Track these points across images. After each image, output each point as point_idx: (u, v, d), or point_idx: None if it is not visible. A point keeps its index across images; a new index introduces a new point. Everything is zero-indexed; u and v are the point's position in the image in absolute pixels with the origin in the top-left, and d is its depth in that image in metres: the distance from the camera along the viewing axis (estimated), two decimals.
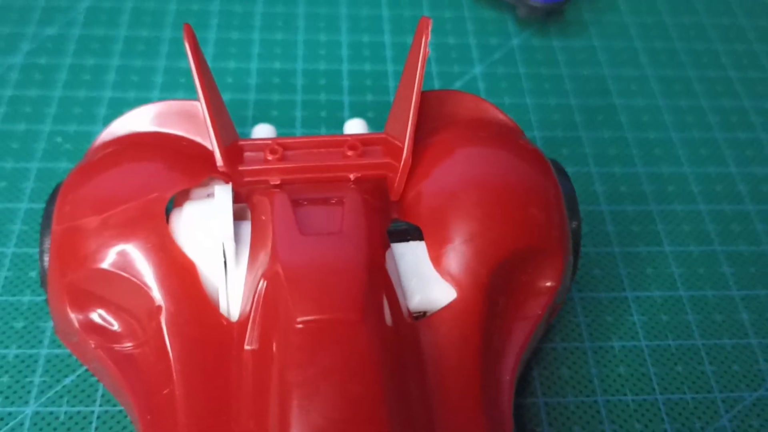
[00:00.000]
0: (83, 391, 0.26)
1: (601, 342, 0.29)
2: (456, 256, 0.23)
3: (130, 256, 0.23)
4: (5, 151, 0.33)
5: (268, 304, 0.22)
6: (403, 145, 0.25)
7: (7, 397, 0.26)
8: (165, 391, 0.22)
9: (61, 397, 0.26)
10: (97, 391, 0.26)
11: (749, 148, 0.36)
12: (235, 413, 0.21)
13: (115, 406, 0.26)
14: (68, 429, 0.26)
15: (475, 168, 0.25)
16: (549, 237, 0.24)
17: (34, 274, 0.29)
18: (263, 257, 0.23)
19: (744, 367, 0.29)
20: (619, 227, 0.33)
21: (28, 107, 0.35)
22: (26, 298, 0.29)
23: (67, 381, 0.27)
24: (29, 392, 0.26)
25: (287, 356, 0.20)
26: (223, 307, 0.23)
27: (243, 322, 0.22)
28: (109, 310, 0.23)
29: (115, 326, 0.23)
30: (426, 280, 0.23)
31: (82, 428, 0.26)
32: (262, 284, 0.22)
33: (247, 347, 0.22)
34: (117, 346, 0.23)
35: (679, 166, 0.35)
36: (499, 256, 0.23)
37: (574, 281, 0.31)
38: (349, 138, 0.26)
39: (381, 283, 0.22)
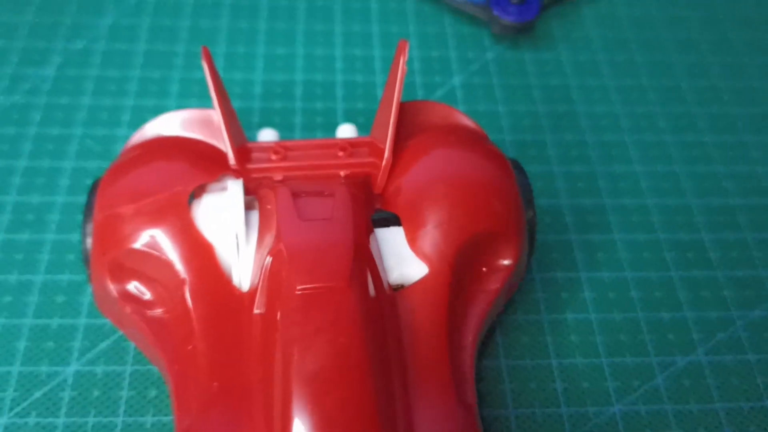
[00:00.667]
0: (117, 353, 0.31)
1: (557, 315, 0.34)
2: (428, 238, 0.28)
3: (159, 238, 0.27)
4: (42, 152, 0.38)
5: (273, 276, 0.27)
6: (385, 147, 0.30)
7: (52, 359, 0.31)
8: (189, 347, 0.27)
9: (98, 358, 0.31)
10: (128, 353, 0.31)
11: (695, 149, 0.41)
12: (246, 364, 0.26)
13: (144, 365, 0.31)
14: (104, 384, 0.31)
15: (445, 166, 0.30)
16: (505, 223, 0.29)
17: (72, 256, 0.34)
18: (269, 239, 0.28)
19: (678, 336, 0.34)
20: (576, 218, 0.38)
21: (60, 113, 0.40)
22: (65, 277, 0.34)
23: (102, 345, 0.32)
24: (71, 354, 0.31)
25: (288, 317, 0.25)
26: (235, 280, 0.28)
27: (252, 292, 0.27)
28: (142, 282, 0.28)
29: (147, 295, 0.28)
30: (403, 259, 0.28)
31: (117, 383, 0.31)
32: (269, 260, 0.27)
33: (256, 311, 0.27)
34: (149, 312, 0.28)
35: (631, 165, 0.40)
36: (464, 238, 0.28)
37: (535, 263, 0.36)
38: (340, 141, 0.31)
39: (365, 258, 0.27)
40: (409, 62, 0.44)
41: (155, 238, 0.27)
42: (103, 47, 0.43)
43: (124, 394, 0.31)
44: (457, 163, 0.30)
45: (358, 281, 0.26)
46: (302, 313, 0.25)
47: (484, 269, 0.29)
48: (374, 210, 0.30)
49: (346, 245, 0.27)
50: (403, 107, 0.32)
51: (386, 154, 0.30)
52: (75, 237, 0.35)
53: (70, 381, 0.31)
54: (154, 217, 0.28)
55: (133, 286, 0.28)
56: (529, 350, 0.33)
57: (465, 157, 0.30)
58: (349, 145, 0.31)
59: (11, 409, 0.30)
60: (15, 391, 0.30)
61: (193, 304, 0.27)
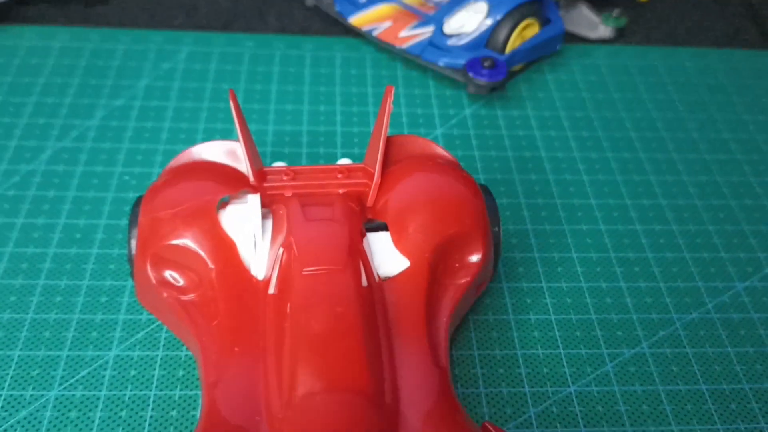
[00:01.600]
0: (150, 341, 0.37)
1: (522, 315, 0.40)
2: (409, 239, 0.35)
3: (191, 235, 0.34)
4: (89, 185, 0.45)
5: (284, 264, 0.33)
6: (375, 171, 0.37)
7: (96, 346, 0.37)
8: (214, 322, 0.33)
9: (134, 345, 0.37)
10: (160, 341, 0.37)
11: (641, 186, 0.48)
12: (261, 334, 0.32)
13: (173, 351, 0.37)
14: (139, 365, 0.36)
15: (424, 185, 0.37)
16: (472, 228, 0.36)
17: (112, 266, 0.41)
18: (280, 238, 0.34)
19: (625, 333, 0.40)
20: (539, 240, 0.44)
21: (103, 155, 0.47)
22: (107, 283, 0.40)
23: (138, 335, 0.38)
24: (111, 342, 0.37)
25: (296, 293, 0.32)
26: (253, 271, 0.34)
27: (266, 280, 0.34)
28: (176, 271, 0.34)
29: (181, 282, 0.34)
30: (390, 255, 0.35)
31: (150, 365, 0.36)
32: (281, 251, 0.33)
33: (270, 292, 0.33)
34: (182, 296, 0.34)
35: (588, 199, 0.47)
36: (438, 239, 0.35)
37: (504, 275, 0.42)
38: (339, 167, 0.38)
39: (358, 252, 0.34)
40: (398, 116, 0.52)
41: (189, 236, 0.34)
42: (140, 104, 0.51)
43: (156, 373, 0.36)
44: (433, 182, 0.37)
45: (351, 266, 0.33)
46: (307, 289, 0.32)
47: (456, 265, 0.36)
48: (366, 219, 0.36)
49: (342, 238, 0.33)
50: (390, 139, 0.39)
51: (376, 176, 0.37)
52: (115, 252, 0.41)
53: (110, 363, 0.36)
54: (188, 220, 0.34)
55: (169, 275, 0.34)
56: (498, 343, 0.39)
57: (440, 178, 0.37)
58: (346, 170, 0.38)
59: (60, 384, 0.36)
60: (64, 370, 0.36)
61: (218, 287, 0.33)
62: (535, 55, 0.55)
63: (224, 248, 0.34)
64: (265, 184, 0.37)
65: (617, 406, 0.37)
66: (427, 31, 0.54)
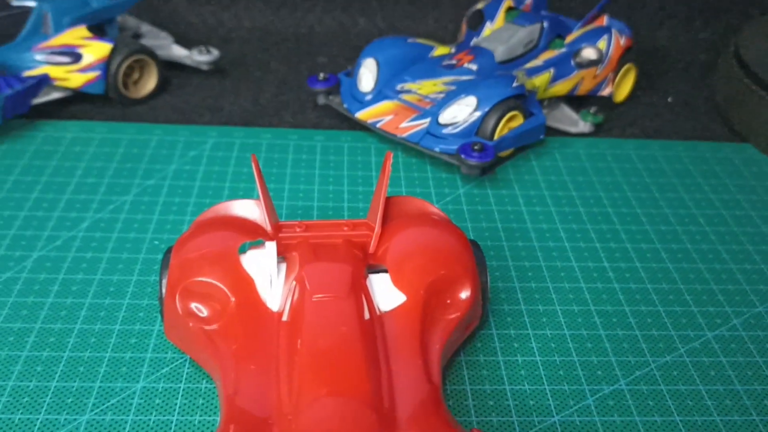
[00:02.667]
0: (174, 375, 0.42)
1: (510, 357, 0.44)
2: (405, 278, 0.40)
3: (216, 273, 0.39)
4: (122, 248, 0.51)
5: (296, 295, 0.38)
6: (375, 224, 0.43)
7: (125, 379, 0.41)
8: (234, 347, 0.37)
9: (159, 379, 0.41)
10: (182, 376, 0.42)
11: (618, 252, 0.53)
12: (275, 355, 0.36)
13: (194, 384, 0.41)
14: (163, 395, 0.40)
15: (419, 234, 0.42)
16: (460, 269, 0.41)
17: (142, 314, 0.45)
18: (293, 275, 0.39)
19: (605, 372, 0.44)
20: (525, 295, 0.49)
21: (136, 224, 0.53)
22: (137, 327, 0.45)
23: (163, 370, 0.42)
24: (139, 376, 0.41)
25: (306, 317, 0.36)
26: (269, 304, 0.39)
27: (280, 312, 0.38)
28: (201, 303, 0.39)
29: (205, 313, 0.39)
30: (388, 292, 0.40)
31: (173, 395, 0.40)
32: (294, 284, 0.38)
33: (283, 319, 0.38)
34: (205, 326, 0.39)
35: (570, 262, 0.52)
36: (430, 278, 0.40)
37: (494, 323, 0.46)
38: (345, 222, 0.44)
39: (361, 286, 0.39)
40: (399, 195, 0.58)
41: (213, 273, 0.39)
42: (169, 183, 0.58)
43: (178, 402, 0.40)
44: (427, 233, 0.43)
45: (354, 296, 0.38)
46: (316, 312, 0.37)
47: (448, 301, 0.40)
48: (367, 264, 0.42)
49: (346, 273, 0.39)
50: (389, 199, 0.45)
51: (377, 227, 0.42)
52: (144, 302, 0.46)
53: (137, 393, 0.40)
54: (213, 260, 0.40)
55: (194, 306, 0.39)
56: (488, 380, 0.43)
57: (433, 230, 0.43)
58: (351, 224, 0.44)
59: (92, 410, 0.39)
60: (96, 399, 0.40)
61: (237, 317, 0.38)
62: (520, 143, 0.62)
63: (244, 284, 0.39)
64: (281, 235, 0.43)
65: None
66: (424, 123, 0.61)
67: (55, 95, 0.66)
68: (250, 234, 0.42)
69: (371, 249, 0.42)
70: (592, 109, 0.68)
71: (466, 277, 0.41)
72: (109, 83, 0.66)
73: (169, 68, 0.74)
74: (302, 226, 0.43)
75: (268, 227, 0.43)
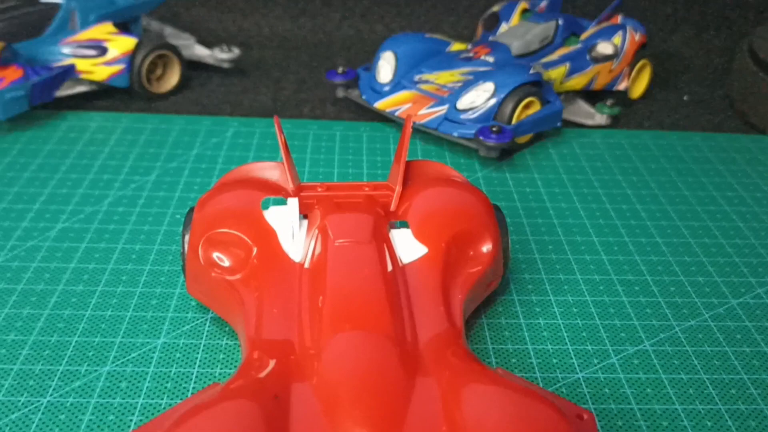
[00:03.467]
0: (194, 333, 0.41)
1: (532, 320, 0.44)
2: (427, 231, 0.40)
3: (239, 224, 0.39)
4: (144, 221, 0.51)
5: (319, 244, 0.38)
6: (395, 185, 0.43)
7: (146, 335, 0.41)
8: (256, 294, 0.37)
9: (180, 335, 0.41)
10: (203, 333, 0.41)
11: (638, 228, 0.53)
12: (296, 302, 0.36)
13: (213, 340, 0.41)
14: (184, 350, 0.40)
15: (440, 193, 0.43)
16: (481, 224, 0.41)
17: (163, 278, 0.46)
18: (315, 227, 0.39)
19: (629, 334, 0.43)
20: (546, 266, 0.49)
21: (158, 200, 0.54)
22: (158, 290, 0.45)
23: (184, 328, 0.42)
24: (160, 333, 0.41)
25: (329, 262, 0.37)
26: (291, 255, 0.39)
27: (302, 263, 0.38)
28: (223, 252, 0.39)
29: (226, 262, 0.39)
30: (410, 245, 0.40)
31: (193, 350, 0.40)
32: (316, 234, 0.39)
33: (306, 267, 0.38)
34: (228, 276, 0.39)
35: (590, 236, 0.52)
36: (452, 231, 0.40)
37: (515, 289, 0.46)
38: (366, 183, 0.44)
39: (381, 235, 0.39)
40: None
41: (236, 224, 0.40)
42: (191, 166, 0.58)
43: (199, 356, 0.40)
44: (448, 191, 0.43)
45: (376, 242, 0.38)
46: (339, 256, 0.37)
47: (471, 253, 0.40)
48: (389, 220, 0.42)
49: (368, 221, 0.39)
50: (410, 163, 0.45)
51: (398, 187, 0.43)
52: (165, 268, 0.47)
53: (158, 347, 0.40)
54: (236, 213, 0.40)
55: (216, 256, 0.39)
56: (510, 340, 0.42)
57: (454, 189, 0.43)
58: (372, 185, 0.44)
59: (113, 362, 0.39)
60: (117, 352, 0.40)
61: (259, 266, 0.38)
62: (538, 128, 0.62)
63: (266, 235, 0.39)
64: (302, 194, 0.43)
65: (623, 389, 0.39)
66: (442, 109, 0.62)
67: (81, 88, 0.68)
68: (273, 192, 0.42)
69: (392, 207, 0.42)
70: (609, 102, 0.68)
71: (488, 231, 0.41)
72: (133, 77, 0.67)
73: (191, 68, 0.75)
74: (323, 187, 0.44)
75: (290, 184, 0.43)
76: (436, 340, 0.34)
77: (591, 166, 0.62)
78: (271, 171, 0.45)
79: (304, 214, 0.42)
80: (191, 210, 0.43)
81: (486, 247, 0.41)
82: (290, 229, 0.40)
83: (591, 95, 0.72)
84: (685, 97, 0.77)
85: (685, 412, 0.38)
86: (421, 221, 0.41)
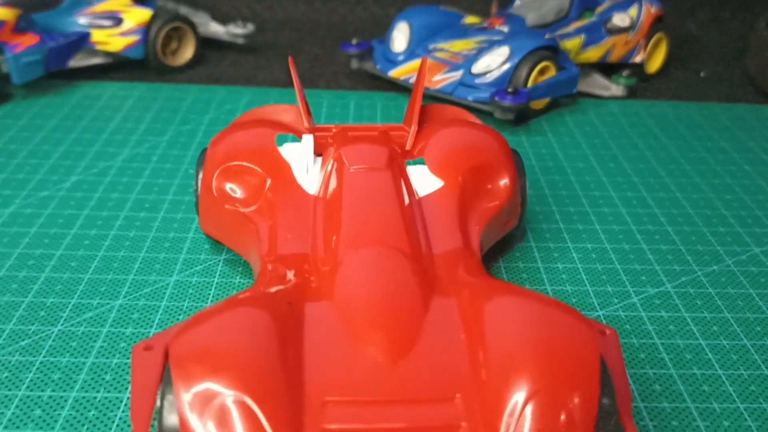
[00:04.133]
0: (207, 272, 0.41)
1: (550, 264, 0.43)
2: (443, 165, 0.39)
3: (253, 157, 0.39)
4: (158, 175, 0.51)
5: (334, 173, 0.38)
6: (411, 123, 0.42)
7: (158, 273, 0.41)
8: (270, 222, 0.37)
9: (192, 274, 0.41)
10: (216, 272, 0.41)
11: (657, 185, 0.52)
12: (309, 229, 0.36)
13: (226, 279, 0.40)
14: (197, 287, 0.40)
15: (456, 131, 0.42)
16: (499, 159, 0.40)
17: (175, 225, 0.45)
18: (330, 158, 0.39)
19: (649, 277, 0.42)
20: (563, 216, 0.48)
21: (172, 158, 0.53)
22: (171, 234, 0.44)
23: (196, 268, 0.41)
24: (173, 271, 0.41)
25: (344, 186, 0.36)
26: (305, 188, 0.38)
27: (315, 195, 0.38)
28: (236, 184, 0.39)
29: (239, 193, 0.39)
30: (426, 177, 0.39)
31: (206, 286, 0.40)
32: (331, 164, 0.38)
33: (320, 196, 0.37)
34: (240, 208, 0.38)
35: (607, 191, 0.51)
36: (469, 164, 0.39)
37: (533, 237, 0.45)
38: (381, 125, 0.44)
39: (397, 165, 0.38)
40: None
41: (250, 157, 0.39)
42: (205, 128, 0.58)
43: (212, 293, 0.39)
44: (465, 130, 0.42)
45: (391, 169, 0.37)
46: (354, 181, 0.36)
47: (489, 186, 0.40)
48: (404, 158, 0.41)
49: (383, 150, 0.38)
50: (426, 107, 0.45)
51: (413, 126, 0.42)
52: (179, 215, 0.46)
53: (171, 285, 0.40)
54: (249, 147, 0.40)
55: (229, 188, 0.39)
56: (528, 282, 0.41)
57: (471, 128, 0.43)
58: (387, 127, 0.44)
59: (125, 297, 0.39)
60: (129, 288, 0.39)
61: (274, 197, 0.38)
62: (553, 93, 0.62)
63: (280, 168, 0.39)
64: (318, 133, 0.43)
65: (644, 326, 0.38)
66: (456, 75, 0.62)
67: (96, 60, 0.68)
68: (287, 131, 0.42)
69: (408, 146, 0.42)
70: (625, 72, 0.68)
71: (505, 167, 0.41)
72: (149, 48, 0.68)
73: (206, 45, 0.75)
74: (338, 128, 0.43)
75: (305, 122, 0.43)
76: (454, 262, 0.34)
77: (608, 132, 0.61)
78: (285, 113, 0.44)
79: (318, 153, 0.42)
80: (204, 150, 0.43)
81: (503, 182, 0.40)
82: (305, 163, 0.40)
83: (607, 69, 0.71)
84: (702, 74, 0.76)
85: (710, 347, 0.37)
86: (437, 156, 0.40)
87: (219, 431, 0.25)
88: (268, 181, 0.39)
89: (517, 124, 0.60)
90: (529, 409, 0.26)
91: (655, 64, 0.74)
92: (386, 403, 0.27)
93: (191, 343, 0.27)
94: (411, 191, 0.38)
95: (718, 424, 0.32)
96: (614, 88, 0.68)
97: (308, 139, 0.41)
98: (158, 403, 0.27)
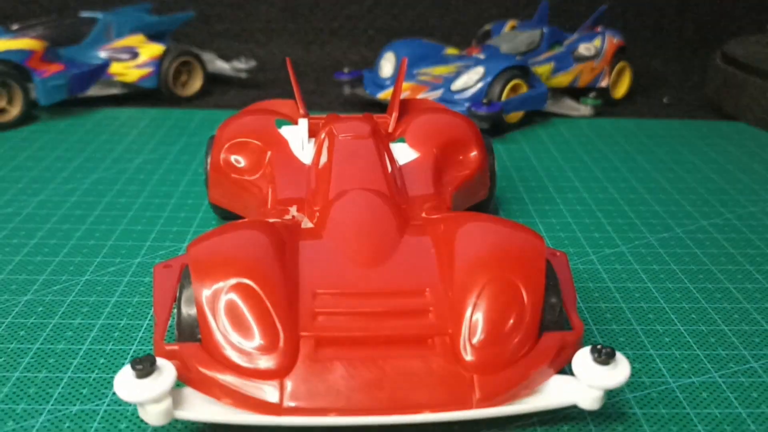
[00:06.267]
0: None
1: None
2: (419, 140, 0.46)
3: (255, 134, 0.45)
4: (166, 183, 0.57)
5: (326, 143, 0.44)
6: (392, 111, 0.49)
7: (174, 238, 0.46)
8: (270, 187, 0.43)
9: None
10: None
11: (617, 178, 0.58)
12: (303, 192, 0.42)
13: None
14: None
15: (431, 115, 0.49)
16: (469, 138, 0.47)
17: (190, 201, 0.51)
18: (323, 135, 0.45)
19: (602, 234, 0.47)
20: (531, 199, 0.54)
21: (181, 164, 0.60)
22: (182, 215, 0.50)
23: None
24: (186, 235, 0.46)
25: (335, 149, 0.42)
26: (301, 159, 0.44)
27: (309, 164, 0.44)
28: (240, 155, 0.45)
29: (242, 163, 0.45)
30: (405, 151, 0.45)
31: None
32: (323, 136, 0.44)
33: (312, 164, 0.43)
34: (244, 176, 0.44)
35: (573, 183, 0.57)
36: (442, 140, 0.46)
37: (504, 214, 0.51)
38: (368, 114, 0.50)
39: (380, 137, 0.44)
40: None
41: (253, 134, 0.46)
42: None
43: None
44: (439, 115, 0.49)
45: (375, 138, 0.43)
46: (343, 148, 0.42)
47: (460, 157, 0.46)
48: (386, 139, 0.47)
49: (368, 125, 0.45)
50: (407, 101, 0.51)
51: (394, 112, 0.49)
52: (189, 201, 0.52)
53: (182, 250, 0.45)
54: (253, 125, 0.46)
55: (234, 159, 0.45)
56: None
57: (445, 113, 0.49)
58: (373, 116, 0.50)
59: (143, 256, 0.44)
60: (145, 250, 0.45)
61: (272, 164, 0.44)
62: (525, 107, 0.68)
63: (279, 142, 0.45)
64: (311, 120, 0.49)
65: (600, 274, 0.44)
66: (437, 93, 0.69)
67: (114, 90, 0.75)
68: (285, 117, 0.49)
69: (390, 129, 0.48)
70: (591, 95, 0.75)
71: (474, 142, 0.47)
72: (161, 79, 0.75)
73: (212, 81, 0.83)
74: (329, 115, 0.50)
75: (301, 109, 0.49)
76: (429, 207, 0.39)
77: (575, 140, 0.68)
78: (284, 106, 0.51)
79: (311, 137, 0.48)
80: (212, 137, 0.49)
81: (473, 154, 0.46)
82: (300, 141, 0.46)
83: (577, 94, 0.79)
84: (665, 100, 0.84)
85: (657, 289, 0.42)
86: (415, 134, 0.46)
87: (230, 312, 0.30)
88: (269, 153, 0.45)
89: (494, 135, 0.67)
90: (486, 292, 0.31)
91: (620, 91, 0.82)
92: (366, 295, 0.32)
93: (205, 248, 0.32)
94: (392, 158, 0.44)
95: (660, 340, 0.37)
96: (582, 109, 0.75)
97: (303, 122, 0.47)
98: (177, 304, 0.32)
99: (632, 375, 0.34)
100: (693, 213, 0.52)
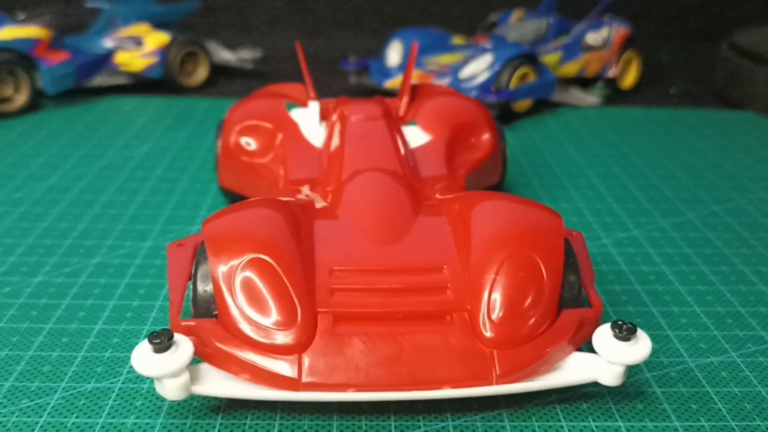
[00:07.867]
0: None
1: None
2: (431, 122, 0.45)
3: (266, 117, 0.45)
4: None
5: (337, 125, 0.43)
6: (403, 95, 0.49)
7: (184, 221, 0.46)
8: (281, 169, 0.42)
9: None
10: None
11: (626, 164, 0.58)
12: (318, 169, 0.41)
13: None
14: None
15: (444, 99, 0.48)
16: (480, 121, 0.46)
17: (198, 186, 0.51)
18: (335, 117, 0.45)
19: (613, 219, 0.47)
20: (540, 183, 0.53)
21: (189, 150, 0.59)
22: (191, 198, 0.50)
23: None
24: (196, 217, 0.46)
25: (347, 131, 0.42)
26: (312, 142, 0.44)
27: (320, 147, 0.44)
28: (250, 137, 0.45)
29: (253, 146, 0.45)
30: (417, 133, 0.45)
31: None
32: (334, 119, 0.44)
33: (324, 147, 0.43)
34: (255, 159, 0.44)
35: (582, 170, 0.57)
36: (454, 122, 0.45)
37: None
38: (379, 98, 0.50)
39: (391, 119, 0.44)
40: None
41: (262, 117, 0.45)
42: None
43: None
44: (451, 98, 0.49)
45: (386, 120, 0.43)
46: (355, 130, 0.42)
47: (473, 140, 0.46)
48: (397, 122, 0.47)
49: (379, 108, 0.44)
50: (419, 86, 0.51)
51: (405, 96, 0.48)
52: (198, 186, 0.52)
53: (194, 232, 0.45)
54: (263, 109, 0.46)
55: (244, 141, 0.45)
56: None
57: (456, 97, 0.49)
58: (384, 98, 0.50)
59: (153, 239, 0.44)
60: (156, 234, 0.45)
61: (283, 146, 0.44)
62: (533, 95, 0.68)
63: (289, 125, 0.45)
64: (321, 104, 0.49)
65: (614, 257, 0.43)
66: (444, 81, 0.68)
67: (119, 80, 0.75)
68: (295, 101, 0.48)
69: (401, 113, 0.48)
70: (599, 83, 0.74)
71: (486, 125, 0.47)
72: (167, 69, 0.75)
73: (217, 72, 0.83)
74: (339, 99, 0.49)
75: (311, 92, 0.49)
76: (442, 188, 0.39)
77: (584, 128, 0.67)
78: (294, 90, 0.51)
79: (323, 120, 0.48)
80: (222, 121, 0.49)
81: (485, 137, 0.46)
82: (311, 123, 0.46)
83: (585, 84, 0.78)
84: (672, 90, 0.83)
85: (672, 273, 0.42)
86: (426, 117, 0.46)
87: (247, 288, 0.30)
88: (279, 136, 0.44)
89: (502, 123, 0.66)
90: (505, 268, 0.30)
91: (628, 81, 0.81)
92: (383, 272, 0.32)
93: (221, 224, 0.32)
94: (404, 140, 0.44)
95: (677, 321, 0.37)
96: (590, 98, 0.75)
97: (314, 105, 0.47)
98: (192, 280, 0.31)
99: (650, 354, 0.34)
100: (704, 198, 0.52)
